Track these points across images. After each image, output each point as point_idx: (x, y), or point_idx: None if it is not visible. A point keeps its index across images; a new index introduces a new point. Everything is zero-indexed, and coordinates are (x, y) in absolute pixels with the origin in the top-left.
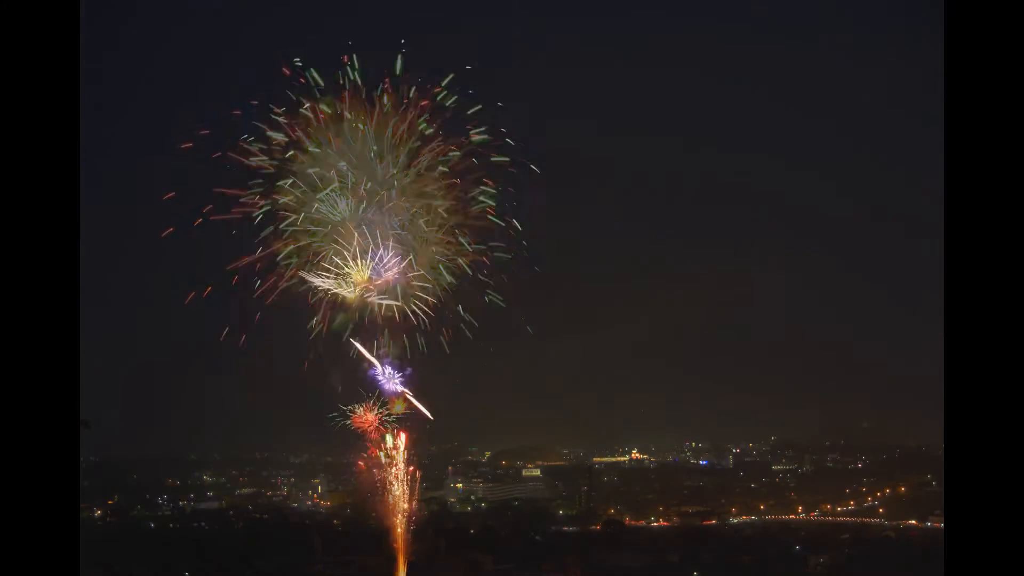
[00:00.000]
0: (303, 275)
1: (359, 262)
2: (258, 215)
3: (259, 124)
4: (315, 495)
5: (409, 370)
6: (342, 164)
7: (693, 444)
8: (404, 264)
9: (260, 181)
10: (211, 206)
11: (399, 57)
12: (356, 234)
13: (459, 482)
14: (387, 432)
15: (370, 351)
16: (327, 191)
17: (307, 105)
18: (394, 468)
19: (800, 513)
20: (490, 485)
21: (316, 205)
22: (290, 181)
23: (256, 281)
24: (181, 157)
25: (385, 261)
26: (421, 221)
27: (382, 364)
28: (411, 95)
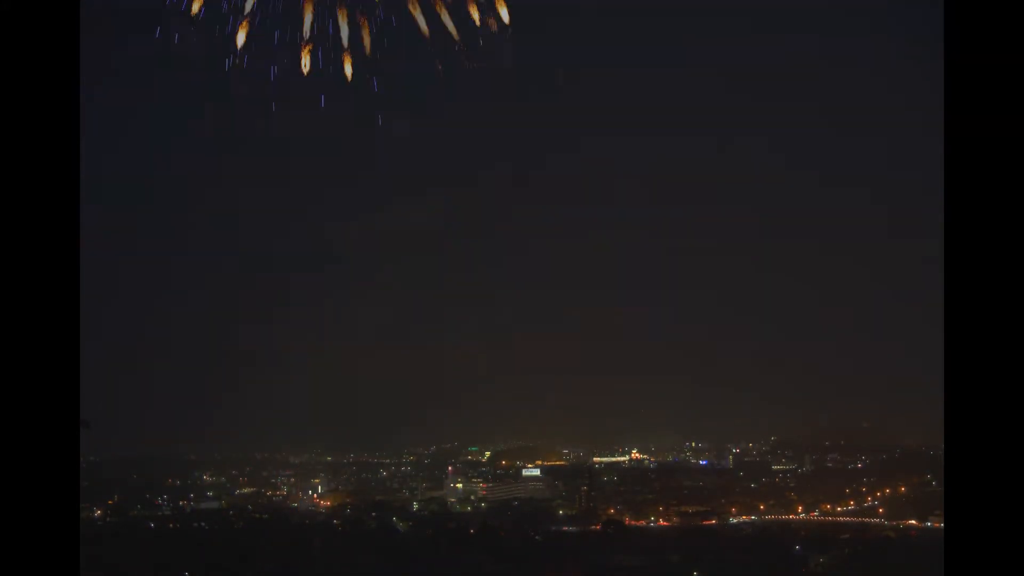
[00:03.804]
0: None
1: None
2: None
3: None
4: (315, 495)
5: None
6: None
7: (693, 444)
8: None
9: None
10: None
11: None
12: None
13: (459, 482)
14: None
15: None
16: None
17: None
18: None
19: (800, 513)
20: (490, 485)
21: None
22: None
23: None
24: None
25: None
26: None
27: None
28: None
